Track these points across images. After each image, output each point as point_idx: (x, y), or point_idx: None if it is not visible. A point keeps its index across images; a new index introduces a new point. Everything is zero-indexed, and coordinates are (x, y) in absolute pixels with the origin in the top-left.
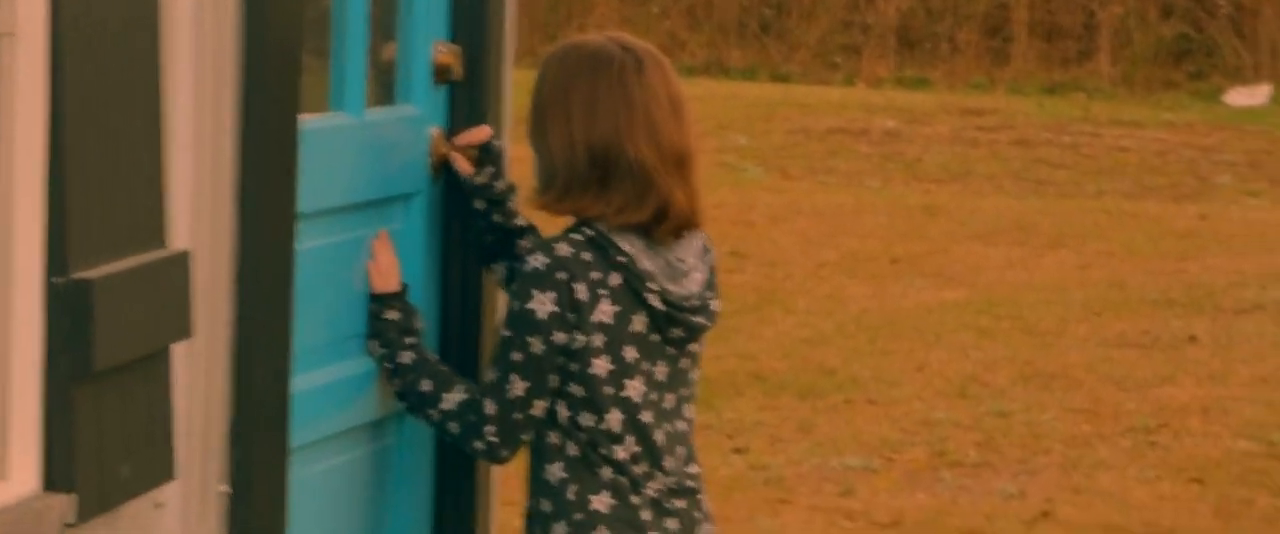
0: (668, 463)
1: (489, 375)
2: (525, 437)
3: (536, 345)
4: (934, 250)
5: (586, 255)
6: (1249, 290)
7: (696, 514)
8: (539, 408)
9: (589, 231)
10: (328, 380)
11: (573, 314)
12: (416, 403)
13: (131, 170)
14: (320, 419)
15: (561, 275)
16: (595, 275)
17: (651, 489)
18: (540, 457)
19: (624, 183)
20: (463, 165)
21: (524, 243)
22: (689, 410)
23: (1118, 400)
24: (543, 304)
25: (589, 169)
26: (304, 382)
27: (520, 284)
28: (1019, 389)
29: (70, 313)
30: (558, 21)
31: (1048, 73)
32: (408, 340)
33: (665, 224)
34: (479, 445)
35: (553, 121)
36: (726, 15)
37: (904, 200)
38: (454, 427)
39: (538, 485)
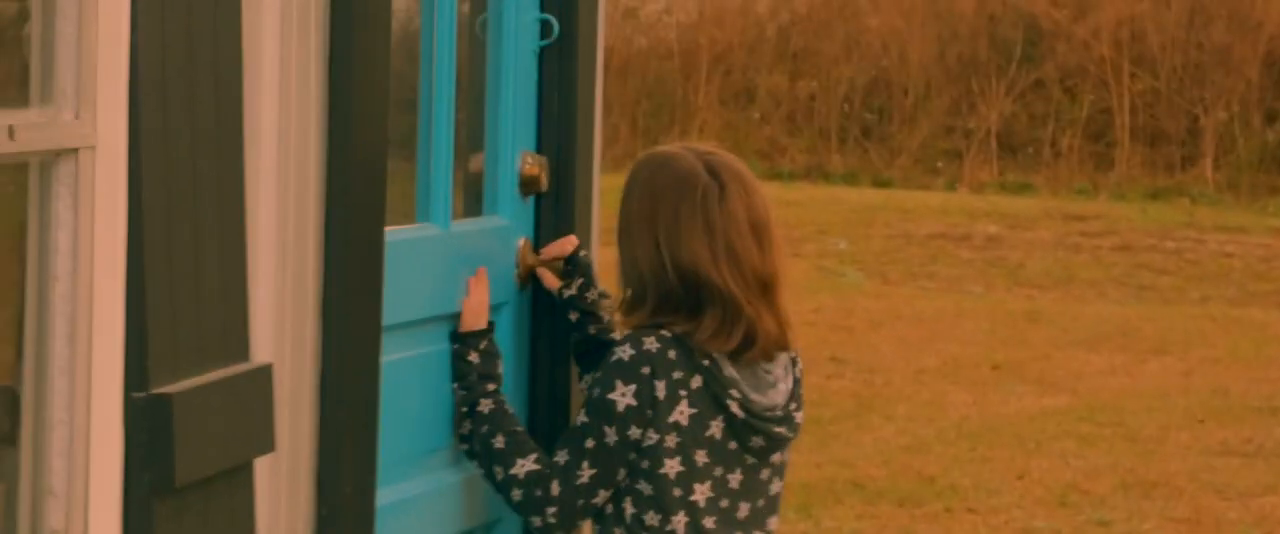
0: None
1: (560, 456)
2: (583, 521)
3: (610, 436)
4: (1036, 357)
5: (672, 353)
6: None
7: None
8: (602, 497)
9: (676, 331)
10: (413, 493)
11: (650, 410)
12: (485, 457)
13: (213, 283)
14: (407, 532)
15: (645, 370)
16: (677, 374)
17: None
18: None
19: (714, 308)
20: (549, 280)
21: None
22: (771, 523)
23: (1220, 510)
24: (623, 396)
25: (681, 289)
26: (389, 494)
27: (604, 373)
28: (1120, 498)
29: (150, 428)
30: (660, 127)
31: (1151, 178)
32: (489, 387)
33: (752, 350)
34: (537, 521)
35: (640, 235)
36: (827, 121)
37: (1005, 306)
38: (517, 494)
39: None
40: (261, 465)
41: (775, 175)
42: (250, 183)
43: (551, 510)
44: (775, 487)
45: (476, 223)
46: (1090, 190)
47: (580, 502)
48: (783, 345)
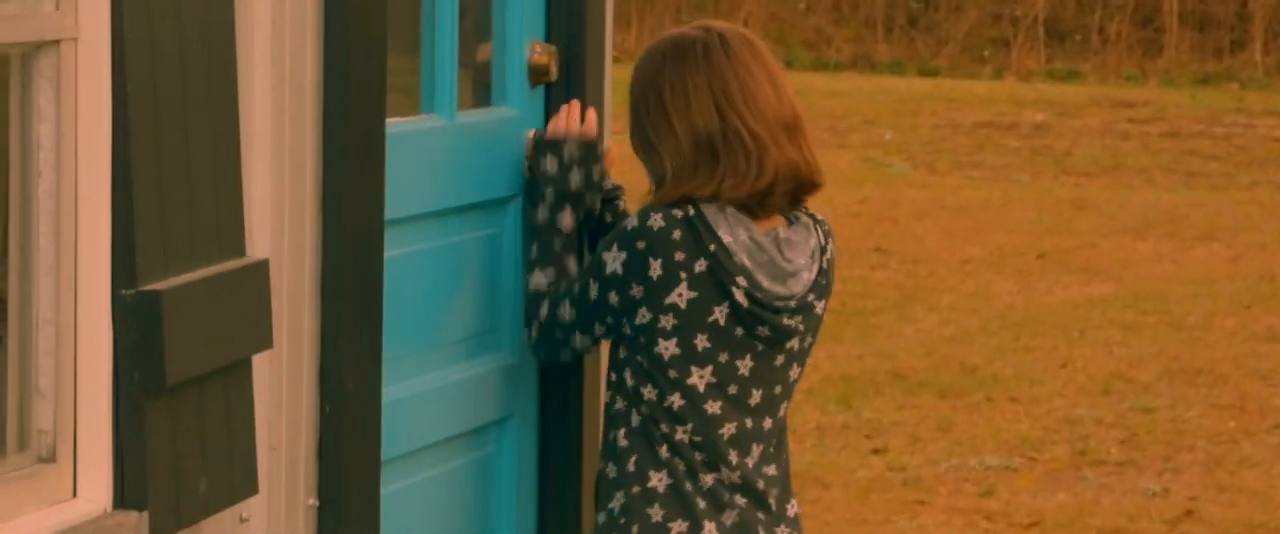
0: (733, 457)
1: (562, 284)
2: (562, 355)
3: (593, 290)
4: (1082, 245)
5: (677, 234)
6: None
7: (759, 515)
8: (579, 340)
9: (690, 210)
10: (422, 390)
11: (639, 287)
12: (525, 259)
13: (205, 177)
14: (415, 429)
15: (640, 244)
16: (679, 256)
17: (709, 479)
18: (610, 421)
19: (736, 157)
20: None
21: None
22: (783, 408)
23: (1265, 396)
24: (613, 261)
25: (697, 155)
26: (397, 391)
27: (612, 233)
28: (1164, 385)
29: (139, 326)
30: (703, 18)
31: (1201, 63)
32: (549, 195)
33: (783, 186)
34: (527, 332)
35: (651, 120)
36: (873, 10)
37: (1052, 194)
38: (525, 302)
39: (608, 449)
40: (260, 363)
41: (821, 66)
42: (243, 74)
43: (533, 326)
44: (794, 373)
45: (484, 113)
46: (1139, 77)
47: (558, 333)
48: (814, 180)
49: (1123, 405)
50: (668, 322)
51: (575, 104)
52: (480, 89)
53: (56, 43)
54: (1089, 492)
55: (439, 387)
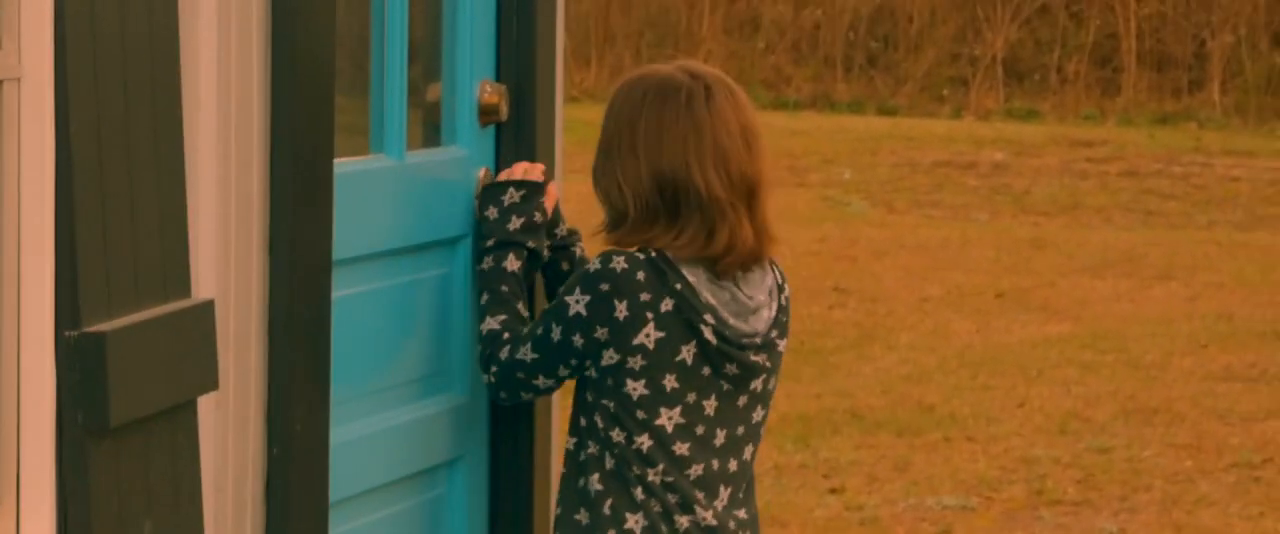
0: (701, 498)
1: (523, 330)
2: (524, 395)
3: (556, 333)
4: (1040, 284)
5: (641, 275)
6: None
7: None
8: (542, 382)
9: (652, 252)
10: (371, 431)
11: (603, 329)
12: (474, 305)
13: (150, 217)
14: (363, 471)
15: (604, 286)
16: (645, 297)
17: (684, 522)
18: (579, 466)
19: (693, 214)
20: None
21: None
22: (747, 451)
23: (1222, 435)
24: (577, 303)
25: (658, 201)
26: (345, 433)
27: (573, 277)
28: (1120, 425)
29: (83, 367)
30: (663, 58)
31: (1159, 103)
32: (487, 243)
33: (731, 257)
34: (486, 377)
35: (621, 155)
36: (832, 49)
37: (1011, 233)
38: (480, 347)
39: (576, 495)
40: (206, 405)
41: (780, 105)
42: (189, 113)
43: (493, 370)
44: (757, 414)
45: (434, 153)
46: (1097, 116)
47: (519, 374)
48: (758, 257)
49: (1079, 445)
50: (636, 362)
51: (520, 165)
52: (430, 129)
53: None
54: (1046, 532)
55: (388, 428)
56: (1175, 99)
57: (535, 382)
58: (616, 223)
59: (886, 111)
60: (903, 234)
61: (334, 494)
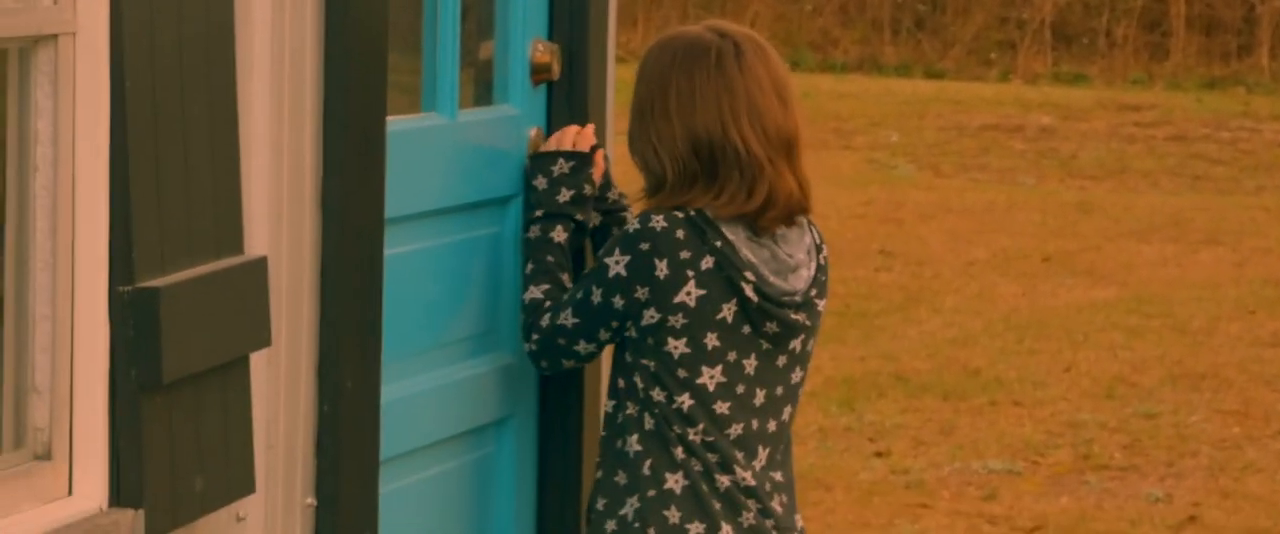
0: (741, 458)
1: (562, 295)
2: (566, 363)
3: (597, 296)
4: (1087, 248)
5: (681, 233)
6: None
7: (768, 522)
8: (583, 347)
9: (691, 211)
10: (422, 389)
11: (643, 288)
12: (521, 273)
13: (204, 174)
14: (413, 429)
15: (644, 246)
16: (685, 255)
17: (725, 481)
18: (618, 428)
19: (732, 173)
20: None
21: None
22: (786, 412)
23: (1269, 401)
24: (617, 264)
25: (696, 163)
26: (396, 390)
27: (614, 240)
28: (1167, 390)
29: (136, 323)
30: (710, 19)
31: (1207, 68)
32: (536, 214)
33: (773, 211)
34: (527, 345)
35: (654, 119)
36: (880, 12)
37: (1058, 197)
38: (522, 317)
39: (614, 457)
40: (259, 361)
41: (827, 67)
42: (242, 71)
43: (535, 338)
44: (796, 375)
45: (485, 112)
46: (1145, 80)
47: (560, 341)
48: (803, 207)
49: (1126, 410)
50: (677, 321)
51: (571, 129)
52: (482, 87)
53: (55, 37)
54: (1092, 496)
55: (438, 386)
56: (1224, 64)
57: (576, 347)
58: (656, 187)
59: (933, 75)
60: (949, 197)
61: (384, 451)
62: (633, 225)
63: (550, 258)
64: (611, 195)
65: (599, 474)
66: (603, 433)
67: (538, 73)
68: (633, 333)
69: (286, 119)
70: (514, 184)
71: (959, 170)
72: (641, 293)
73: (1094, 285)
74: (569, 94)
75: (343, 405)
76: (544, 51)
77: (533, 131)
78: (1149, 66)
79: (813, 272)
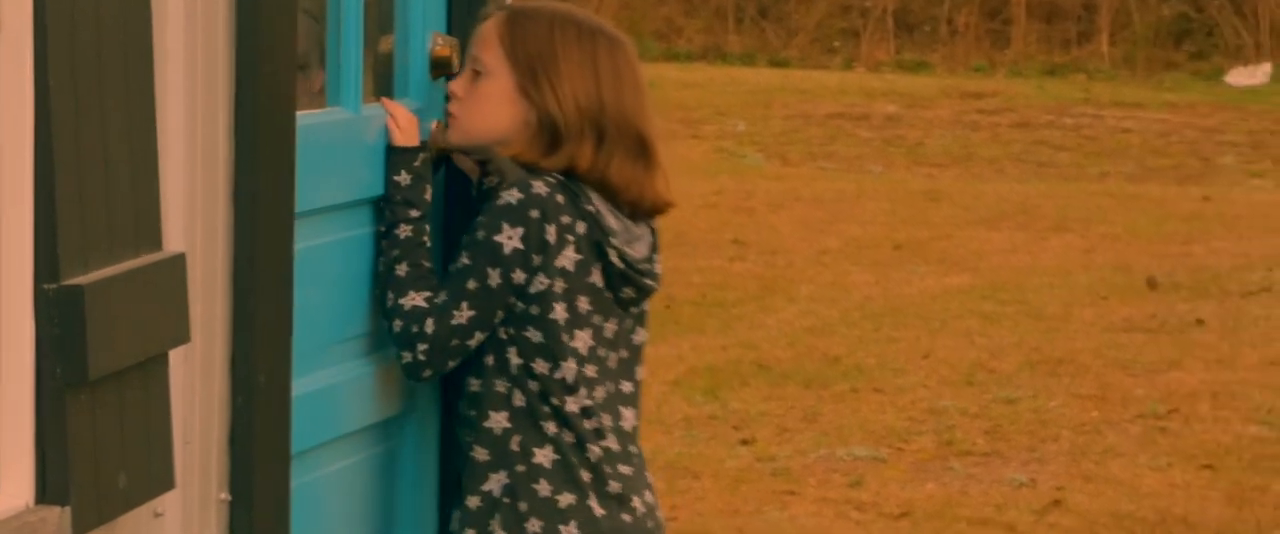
0: (608, 422)
1: (439, 296)
2: (453, 364)
3: (494, 278)
4: (937, 236)
5: (560, 198)
6: (1255, 273)
7: (630, 492)
8: (476, 340)
9: (561, 176)
10: (329, 383)
11: (538, 256)
12: (385, 281)
13: (124, 171)
14: (322, 423)
15: (534, 213)
16: (565, 219)
17: (594, 451)
18: (483, 404)
19: (637, 156)
20: (469, 166)
21: (491, 179)
22: (638, 372)
23: (1126, 386)
24: (510, 239)
25: (618, 136)
26: (305, 385)
27: (489, 216)
28: (1026, 376)
29: (62, 320)
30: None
31: (1048, 55)
32: (411, 213)
33: (644, 203)
34: (407, 356)
35: (576, 79)
36: (724, 1)
37: (905, 185)
38: (397, 325)
39: (475, 434)
40: (175, 357)
41: (672, 56)
42: (158, 66)
43: (422, 347)
44: (639, 336)
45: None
46: (987, 68)
47: (454, 342)
48: (665, 207)
49: (986, 396)
50: (559, 286)
51: (403, 112)
52: (381, 81)
53: None
54: (957, 482)
55: (343, 380)
56: (1064, 51)
57: (470, 342)
58: (552, 145)
59: (778, 63)
60: (798, 186)
61: (295, 445)
62: (513, 196)
63: (426, 263)
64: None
65: (462, 449)
66: (463, 411)
67: (437, 67)
68: (518, 306)
69: (200, 113)
70: None
71: (807, 159)
72: (537, 260)
73: (947, 273)
74: None
75: (256, 400)
76: (443, 45)
77: (433, 125)
78: (990, 54)
79: (651, 239)
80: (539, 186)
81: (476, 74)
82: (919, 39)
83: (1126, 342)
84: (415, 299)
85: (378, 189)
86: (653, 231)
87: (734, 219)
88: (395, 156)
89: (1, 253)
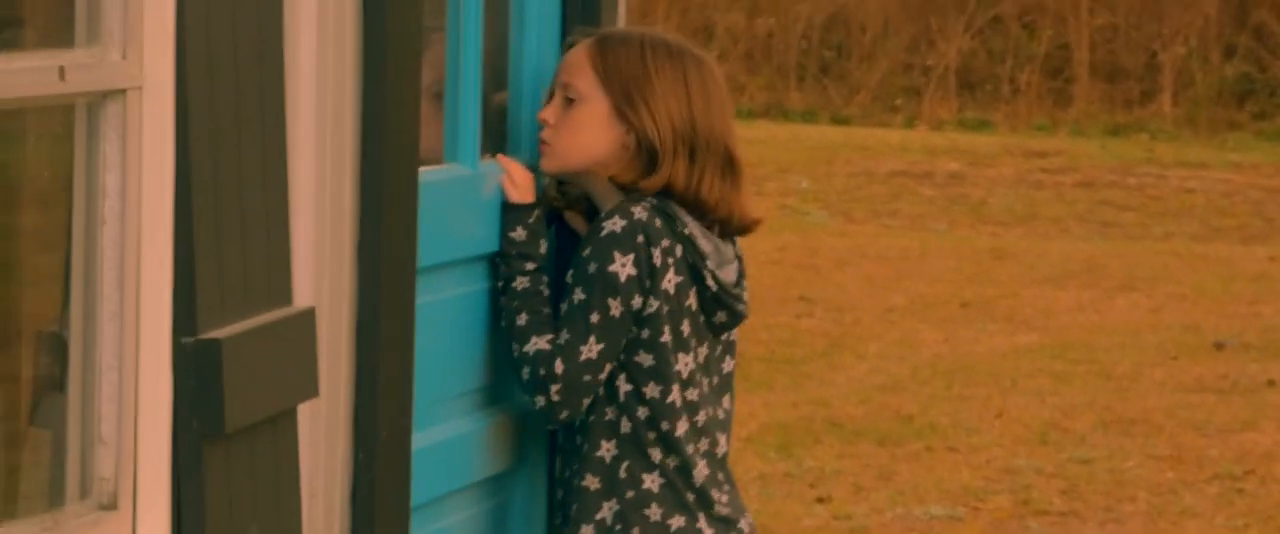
0: (705, 445)
1: (562, 335)
2: (587, 401)
3: (615, 308)
4: (1004, 294)
5: (659, 221)
6: None
7: (733, 511)
8: (606, 373)
9: (655, 201)
10: (447, 437)
11: (649, 280)
12: (509, 333)
13: (258, 226)
14: (439, 477)
15: (640, 238)
16: (666, 242)
17: (699, 474)
18: (591, 432)
19: (727, 173)
20: (580, 225)
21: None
22: (727, 400)
23: (1200, 447)
24: (624, 266)
25: (710, 153)
26: (422, 439)
27: (597, 247)
28: (1100, 435)
29: (199, 373)
30: None
31: (1110, 114)
32: (528, 266)
33: (733, 221)
34: (541, 400)
35: (669, 99)
36: (786, 58)
37: (970, 243)
38: (525, 373)
39: (583, 462)
40: (303, 411)
41: (734, 113)
42: (290, 124)
43: (556, 389)
44: (727, 364)
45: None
46: (1049, 127)
47: (586, 377)
48: (751, 226)
49: (1061, 455)
50: (664, 308)
51: (507, 164)
52: (494, 138)
53: (123, 92)
54: None
55: (460, 435)
56: (1126, 110)
57: (601, 375)
58: (650, 167)
59: (840, 120)
60: (863, 243)
61: (414, 499)
62: (615, 224)
63: (545, 310)
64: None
65: (565, 475)
66: (563, 440)
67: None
68: (633, 330)
69: (328, 169)
70: None
71: (871, 216)
72: (649, 283)
73: (1015, 331)
74: None
75: (378, 455)
76: None
77: (546, 181)
78: (1052, 113)
79: (738, 266)
80: (639, 211)
81: (569, 101)
82: (981, 97)
83: (1198, 402)
84: (539, 343)
85: (493, 245)
86: (739, 258)
87: (799, 276)
88: (511, 213)
89: (142, 306)
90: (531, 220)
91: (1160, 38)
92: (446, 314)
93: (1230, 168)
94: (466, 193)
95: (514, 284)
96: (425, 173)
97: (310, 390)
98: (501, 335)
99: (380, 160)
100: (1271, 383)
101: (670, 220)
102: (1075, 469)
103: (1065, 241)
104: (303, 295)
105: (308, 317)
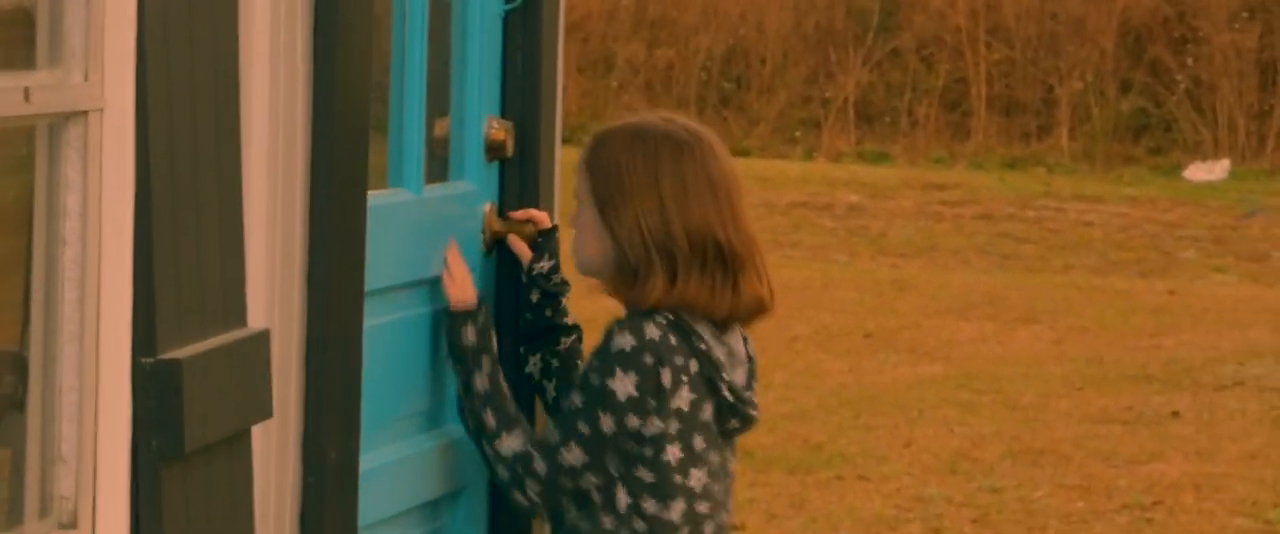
0: None
1: (551, 436)
2: (564, 501)
3: (607, 424)
4: (906, 325)
5: (673, 339)
6: (1227, 367)
7: None
8: (587, 482)
9: (670, 316)
10: (392, 458)
11: (654, 400)
12: (476, 433)
13: (213, 248)
14: (385, 499)
15: (649, 359)
16: (679, 360)
17: None
18: None
19: (721, 267)
20: (521, 249)
21: (566, 340)
22: (730, 501)
23: (1109, 477)
24: (624, 385)
25: (690, 252)
26: (370, 460)
27: (603, 361)
28: (1009, 465)
29: (159, 393)
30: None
31: (1008, 148)
32: (484, 363)
33: (742, 311)
34: (520, 498)
35: (641, 200)
36: (685, 90)
37: (872, 275)
38: (502, 472)
39: None
40: (254, 433)
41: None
42: (243, 148)
43: (534, 488)
44: (733, 464)
45: (444, 188)
46: (947, 159)
47: (565, 481)
48: (768, 307)
49: (971, 485)
50: (674, 427)
51: (452, 262)
52: (437, 163)
53: (85, 113)
54: None
55: (405, 457)
56: (1024, 144)
57: (581, 483)
58: (644, 275)
59: (739, 152)
60: None
61: (361, 519)
62: (626, 340)
63: (510, 406)
64: (556, 278)
65: None
66: None
67: (492, 150)
68: (633, 447)
69: (279, 193)
70: (470, 259)
71: (772, 247)
72: (652, 404)
73: (919, 362)
74: (521, 170)
75: (327, 476)
76: (499, 128)
77: (486, 207)
78: (950, 146)
79: (748, 365)
80: (651, 330)
81: (580, 204)
82: (879, 129)
83: (1105, 432)
84: (513, 442)
85: (436, 268)
86: (751, 359)
87: None
88: (457, 319)
89: (102, 326)
90: (480, 320)
91: (1057, 72)
92: (391, 337)
93: (1127, 201)
94: (411, 217)
95: (474, 384)
96: (372, 196)
97: (265, 411)
98: (440, 360)
99: (330, 186)
100: (1176, 414)
101: (686, 336)
102: (986, 498)
103: (966, 273)
104: (257, 318)
105: (262, 338)
